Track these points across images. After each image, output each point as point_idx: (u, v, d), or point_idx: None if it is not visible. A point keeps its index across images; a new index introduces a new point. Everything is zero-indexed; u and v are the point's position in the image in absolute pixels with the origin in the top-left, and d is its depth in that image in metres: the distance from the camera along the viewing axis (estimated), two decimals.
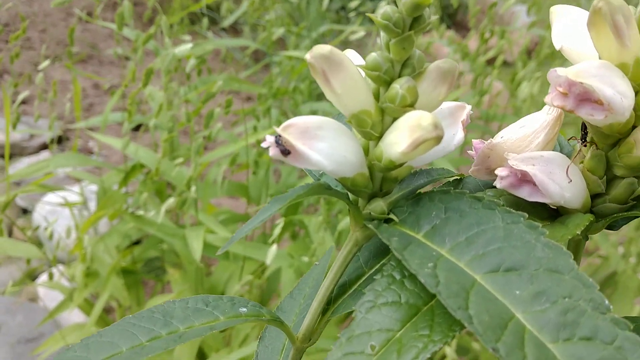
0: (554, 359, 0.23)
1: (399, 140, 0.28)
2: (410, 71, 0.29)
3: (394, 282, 0.28)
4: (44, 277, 1.85)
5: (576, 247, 0.33)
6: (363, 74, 0.30)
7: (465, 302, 0.25)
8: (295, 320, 0.42)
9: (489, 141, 0.33)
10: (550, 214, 0.32)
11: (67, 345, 1.18)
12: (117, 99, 1.28)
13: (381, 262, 0.34)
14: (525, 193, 0.30)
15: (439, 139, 0.27)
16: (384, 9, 0.28)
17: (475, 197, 0.29)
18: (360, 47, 1.91)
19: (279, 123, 1.45)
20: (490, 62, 1.53)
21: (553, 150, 0.33)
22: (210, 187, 1.28)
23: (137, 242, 1.69)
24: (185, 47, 0.89)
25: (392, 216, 0.31)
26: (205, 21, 1.36)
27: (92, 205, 1.81)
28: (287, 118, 1.54)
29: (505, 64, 2.36)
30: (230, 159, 1.03)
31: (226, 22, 1.59)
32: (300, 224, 1.39)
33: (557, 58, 1.24)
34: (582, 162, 0.31)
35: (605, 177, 0.31)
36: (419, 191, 0.32)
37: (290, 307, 0.44)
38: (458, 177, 0.35)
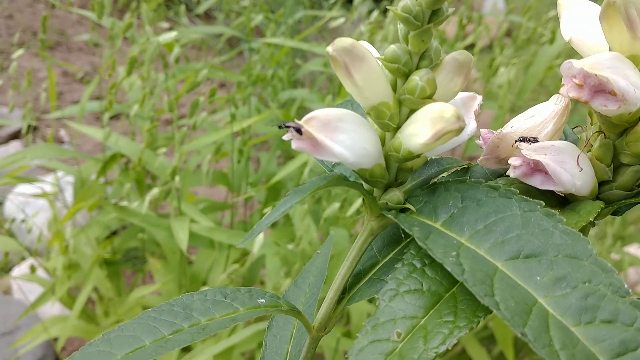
0: (577, 342, 0.24)
1: (420, 131, 0.28)
2: (428, 63, 0.30)
3: (415, 271, 0.29)
4: (18, 270, 1.82)
5: (582, 232, 0.34)
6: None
7: (490, 289, 0.25)
8: (302, 309, 0.43)
9: (498, 131, 0.34)
10: (559, 201, 0.33)
11: (49, 337, 1.16)
12: (92, 90, 1.26)
13: (394, 251, 0.34)
14: (537, 182, 0.31)
15: (460, 130, 0.27)
16: (405, 2, 0.28)
17: (491, 186, 0.30)
18: (338, 34, 1.91)
19: (258, 111, 1.45)
20: (468, 48, 1.54)
21: (559, 139, 0.34)
22: (190, 176, 1.28)
23: (114, 233, 1.67)
24: (169, 36, 0.88)
25: (408, 205, 0.31)
26: (182, 8, 1.34)
27: (67, 195, 1.78)
28: (266, 106, 1.54)
29: (481, 51, 2.39)
30: (214, 148, 1.02)
31: (200, 9, 1.57)
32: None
33: (533, 43, 1.26)
34: (589, 151, 0.33)
35: (612, 165, 0.32)
36: (433, 181, 0.33)
37: (296, 296, 0.45)
38: (466, 166, 0.36)
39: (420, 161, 0.32)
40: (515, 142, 0.32)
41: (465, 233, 0.29)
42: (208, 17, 2.56)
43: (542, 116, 0.33)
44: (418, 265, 0.29)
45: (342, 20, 1.29)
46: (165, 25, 1.28)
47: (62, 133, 2.43)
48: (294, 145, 0.28)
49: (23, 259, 1.88)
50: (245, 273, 1.28)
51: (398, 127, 0.31)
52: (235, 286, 1.16)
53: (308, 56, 1.89)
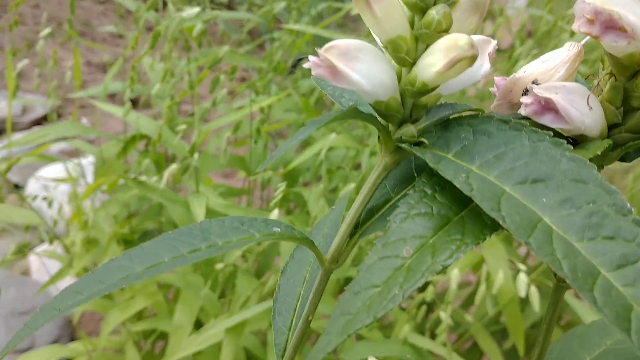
0: (578, 254, 0.25)
1: (435, 61, 0.30)
2: (445, 0, 0.31)
3: (426, 196, 0.30)
4: (37, 251, 1.86)
5: None
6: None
7: (497, 205, 0.27)
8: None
9: (512, 76, 0.35)
10: (569, 143, 0.34)
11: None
12: (116, 71, 1.29)
13: (407, 188, 0.35)
14: (548, 120, 0.32)
15: (474, 59, 0.29)
16: None
17: (502, 120, 0.31)
18: (358, 21, 1.92)
19: (278, 99, 1.47)
20: None
21: None
22: (209, 159, 1.30)
23: (133, 215, 1.70)
24: (193, 11, 0.90)
25: (422, 139, 0.32)
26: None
27: (89, 179, 1.81)
28: (288, 94, 1.55)
29: (499, 51, 2.40)
30: (233, 127, 1.04)
31: None
32: (298, 199, 1.40)
33: (553, 38, 1.26)
34: (600, 95, 0.33)
35: (622, 108, 0.33)
36: (447, 118, 0.34)
37: (314, 238, 0.46)
38: (482, 113, 0.37)
39: (434, 98, 0.33)
40: (526, 89, 0.33)
41: (476, 162, 0.30)
42: (230, 8, 2.59)
43: (555, 61, 0.34)
44: (429, 191, 0.30)
45: None
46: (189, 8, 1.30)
47: (84, 121, 2.47)
48: (314, 71, 0.30)
49: (42, 241, 1.92)
50: (261, 259, 1.30)
51: (414, 63, 0.32)
52: (247, 269, 1.17)
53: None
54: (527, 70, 0.34)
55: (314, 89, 1.50)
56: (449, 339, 1.50)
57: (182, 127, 1.01)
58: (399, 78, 0.33)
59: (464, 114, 0.34)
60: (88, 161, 1.95)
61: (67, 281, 1.59)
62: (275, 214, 0.93)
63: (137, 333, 1.28)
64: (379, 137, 0.35)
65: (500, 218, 0.26)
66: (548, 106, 0.32)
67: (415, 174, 0.36)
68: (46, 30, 1.21)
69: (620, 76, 0.32)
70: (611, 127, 0.33)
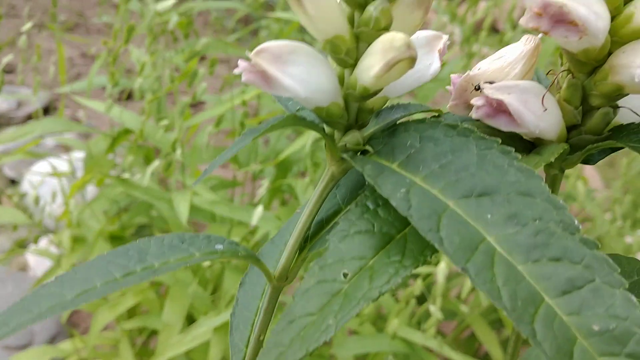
0: (522, 279, 0.23)
1: (372, 64, 0.27)
2: None
3: (368, 212, 0.28)
4: (34, 247, 1.85)
5: (553, 182, 0.33)
6: None
7: (436, 225, 0.24)
8: (276, 266, 0.42)
9: (465, 74, 0.32)
10: (526, 146, 0.32)
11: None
12: (102, 64, 1.26)
13: (356, 199, 0.33)
14: (501, 123, 0.30)
15: (412, 60, 0.26)
16: None
17: (449, 125, 0.29)
18: None
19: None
20: (479, 25, 1.51)
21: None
22: (197, 152, 1.27)
23: (125, 210, 1.68)
24: (167, 3, 0.88)
25: (367, 147, 0.30)
26: None
27: (81, 174, 1.80)
28: None
29: (495, 30, 2.35)
30: (215, 121, 1.02)
31: None
32: (290, 190, 1.38)
33: None
34: (558, 93, 0.31)
35: (581, 107, 0.30)
36: (394, 123, 0.31)
37: (271, 252, 0.44)
38: (436, 114, 0.35)
39: (380, 101, 0.31)
40: (476, 87, 0.31)
41: (421, 173, 0.27)
42: None
43: (511, 57, 0.32)
44: (371, 206, 0.28)
45: None
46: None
47: (80, 114, 2.45)
48: (244, 77, 0.27)
49: (38, 237, 1.91)
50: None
51: (356, 64, 0.29)
52: (238, 266, 1.16)
53: None
54: (482, 67, 0.32)
55: None
56: (446, 329, 1.48)
57: (165, 122, 0.99)
58: (342, 81, 0.30)
59: (413, 117, 0.31)
60: (81, 156, 1.94)
61: None
62: (259, 211, 0.91)
63: (131, 329, 1.28)
64: (325, 144, 0.33)
65: (437, 240, 0.24)
66: (500, 108, 0.29)
67: (367, 183, 0.33)
68: (28, 25, 1.19)
69: (578, 73, 0.30)
70: (570, 128, 0.31)
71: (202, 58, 2.01)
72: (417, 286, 0.91)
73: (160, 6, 0.88)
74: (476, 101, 0.29)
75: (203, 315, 1.09)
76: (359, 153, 0.31)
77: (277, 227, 1.03)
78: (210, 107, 1.08)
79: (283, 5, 1.37)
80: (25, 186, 2.06)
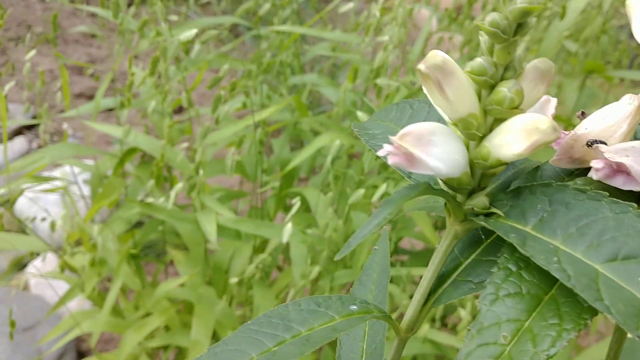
0: None
1: (512, 142, 0.29)
2: (512, 73, 0.31)
3: (512, 274, 0.30)
4: (33, 266, 1.84)
5: None
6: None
7: (598, 294, 0.27)
8: (358, 299, 0.44)
9: (572, 132, 0.35)
10: (637, 198, 0.34)
11: (81, 332, 1.18)
12: (106, 85, 1.26)
13: (476, 252, 0.35)
14: (619, 182, 0.32)
15: (554, 141, 0.28)
16: (492, 17, 0.29)
17: (578, 189, 0.31)
18: (343, 18, 1.90)
19: (269, 98, 1.45)
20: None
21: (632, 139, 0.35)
22: (208, 166, 1.28)
23: (135, 225, 1.68)
24: (189, 33, 0.88)
25: (495, 210, 0.32)
26: (191, 2, 1.34)
27: (82, 187, 1.79)
28: (277, 92, 1.54)
29: None
30: (238, 140, 1.03)
31: None
32: (294, 196, 1.40)
33: (544, 19, 1.26)
34: None
35: None
36: (518, 185, 0.34)
37: (363, 294, 0.46)
38: (537, 166, 0.37)
39: (503, 167, 0.33)
40: (588, 143, 0.33)
41: (558, 236, 0.30)
42: (202, 5, 2.54)
43: (616, 117, 0.34)
44: (514, 268, 0.30)
45: (350, 5, 1.29)
46: (174, 18, 1.27)
47: (66, 126, 2.42)
48: (391, 161, 0.29)
49: (34, 255, 1.89)
50: (268, 260, 1.30)
51: (483, 136, 0.32)
52: (260, 274, 1.17)
53: (309, 39, 1.88)
54: (589, 127, 0.34)
55: (304, 84, 1.49)
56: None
57: (184, 145, 1.00)
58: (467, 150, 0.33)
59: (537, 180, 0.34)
60: (75, 170, 1.92)
61: (76, 301, 1.58)
62: (289, 228, 0.93)
63: (152, 348, 1.28)
64: (445, 204, 0.35)
65: (606, 309, 0.26)
66: (619, 169, 0.32)
67: (483, 237, 0.36)
68: (31, 53, 1.18)
69: None
70: None
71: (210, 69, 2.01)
72: None
73: (184, 36, 0.88)
74: (596, 164, 0.32)
75: (230, 330, 1.11)
76: (485, 215, 0.33)
77: (303, 242, 1.05)
78: (225, 125, 1.09)
79: (281, 17, 1.38)
80: (21, 203, 2.04)
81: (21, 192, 1.00)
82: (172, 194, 0.98)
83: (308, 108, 1.37)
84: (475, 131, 0.31)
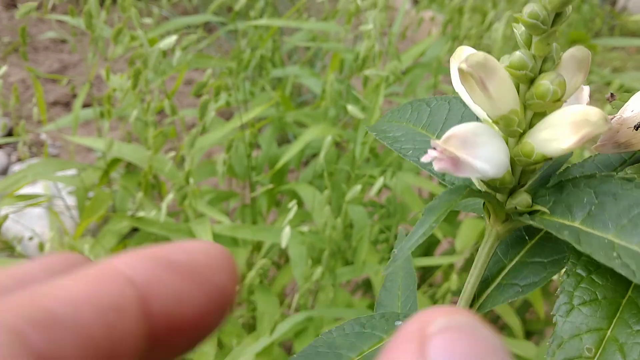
0: None
1: (560, 136, 0.28)
2: (551, 65, 0.29)
3: (583, 280, 0.28)
4: None
5: None
6: None
7: None
8: (402, 312, 0.42)
9: (618, 116, 0.33)
10: None
11: None
12: (83, 96, 1.22)
13: (520, 254, 0.34)
14: None
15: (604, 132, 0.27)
16: (531, 8, 0.27)
17: (625, 179, 0.29)
18: (313, 6, 1.87)
19: (252, 94, 1.43)
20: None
21: None
22: (196, 171, 1.26)
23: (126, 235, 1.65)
24: (169, 41, 0.85)
25: (539, 207, 0.31)
26: (163, 1, 1.30)
27: (67, 200, 1.74)
28: (261, 88, 1.51)
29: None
30: (226, 144, 1.00)
31: None
32: (291, 194, 1.38)
33: None
34: None
35: None
36: (559, 180, 0.32)
37: (390, 301, 0.45)
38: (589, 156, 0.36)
39: (542, 162, 0.32)
40: (636, 126, 0.32)
41: (611, 230, 0.28)
42: (173, 3, 2.49)
43: None
44: (584, 273, 0.29)
45: None
46: (147, 20, 1.24)
47: (44, 136, 2.36)
48: (437, 166, 0.28)
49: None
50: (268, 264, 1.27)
51: (524, 132, 0.30)
52: (263, 283, 1.15)
53: (286, 30, 1.85)
54: (636, 109, 0.33)
55: (287, 76, 1.46)
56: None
57: (172, 154, 0.97)
58: None
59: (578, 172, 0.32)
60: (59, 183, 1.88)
61: None
62: (287, 232, 0.91)
63: None
64: (484, 205, 0.33)
65: None
66: None
67: (527, 237, 0.34)
68: (3, 68, 1.13)
69: None
70: None
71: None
72: (453, 281, 0.93)
73: (164, 44, 0.85)
74: None
75: (235, 338, 1.09)
76: (528, 213, 0.31)
77: (301, 242, 1.03)
78: (213, 128, 1.06)
79: (258, 10, 1.35)
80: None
81: (6, 217, 0.97)
82: (164, 206, 0.96)
83: (289, 99, 1.35)
84: (516, 128, 0.29)
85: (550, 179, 0.33)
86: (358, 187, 0.95)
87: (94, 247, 1.16)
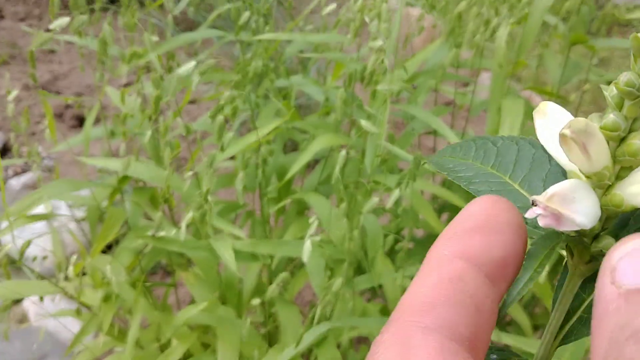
0: None
1: None
2: (639, 125, 0.32)
3: None
4: (29, 300, 1.80)
5: None
6: None
7: None
8: None
9: None
10: None
11: None
12: (94, 115, 1.23)
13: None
14: None
15: None
16: (627, 77, 0.30)
17: None
18: (312, 16, 1.89)
19: (257, 105, 1.44)
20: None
21: None
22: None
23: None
24: (189, 67, 0.86)
25: None
26: (169, 19, 1.31)
27: (76, 212, 1.74)
28: (267, 99, 1.52)
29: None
30: (243, 163, 1.02)
31: (176, 10, 1.53)
32: (300, 203, 1.40)
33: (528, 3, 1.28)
34: None
35: None
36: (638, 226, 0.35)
37: None
38: None
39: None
40: None
41: None
42: (164, 11, 2.48)
43: None
44: None
45: (334, 6, 1.28)
46: (155, 38, 1.24)
47: (41, 148, 2.34)
48: (542, 222, 0.30)
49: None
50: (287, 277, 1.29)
51: (611, 184, 0.33)
52: (283, 295, 1.17)
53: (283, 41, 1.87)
54: None
55: (292, 86, 1.48)
56: None
57: (190, 173, 0.99)
58: None
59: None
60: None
61: (91, 337, 1.55)
62: (308, 246, 0.93)
63: None
64: (567, 245, 0.36)
65: None
66: None
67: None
68: (14, 93, 1.14)
69: None
70: None
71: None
72: None
73: (182, 70, 0.86)
74: None
75: (257, 350, 1.11)
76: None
77: (320, 255, 1.05)
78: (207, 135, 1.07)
79: (260, 23, 1.36)
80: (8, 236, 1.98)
81: (28, 244, 0.98)
82: (183, 225, 0.97)
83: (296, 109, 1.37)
84: (607, 182, 0.32)
85: (629, 222, 0.36)
86: (375, 200, 0.97)
87: (114, 265, 1.17)
